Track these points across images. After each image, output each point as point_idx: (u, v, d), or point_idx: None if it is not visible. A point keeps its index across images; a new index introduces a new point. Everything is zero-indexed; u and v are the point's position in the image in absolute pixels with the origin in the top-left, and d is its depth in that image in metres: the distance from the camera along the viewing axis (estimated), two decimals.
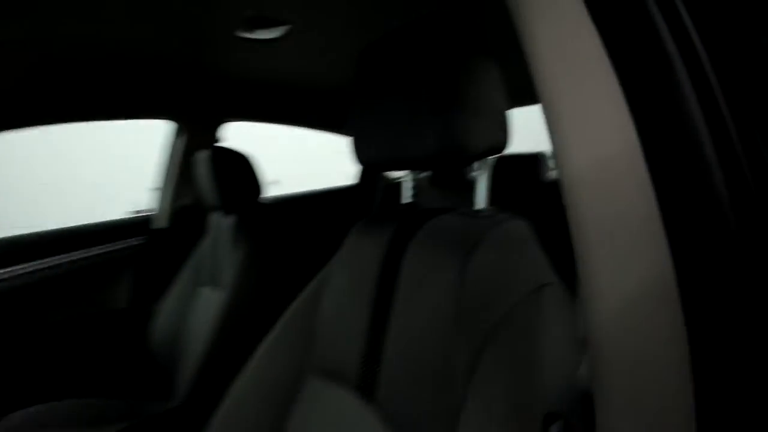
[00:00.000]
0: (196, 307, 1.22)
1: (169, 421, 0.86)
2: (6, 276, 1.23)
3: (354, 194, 2.21)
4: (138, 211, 1.65)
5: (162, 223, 1.49)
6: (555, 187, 1.57)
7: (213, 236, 1.20)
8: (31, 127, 1.15)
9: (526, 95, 1.61)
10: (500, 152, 0.51)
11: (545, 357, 0.38)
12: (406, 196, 0.67)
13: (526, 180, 1.61)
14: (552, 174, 1.66)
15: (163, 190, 1.51)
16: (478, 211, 0.53)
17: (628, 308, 0.25)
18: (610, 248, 0.25)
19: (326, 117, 1.79)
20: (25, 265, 1.27)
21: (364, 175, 2.23)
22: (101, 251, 1.40)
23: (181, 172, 1.49)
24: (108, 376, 1.38)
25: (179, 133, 1.47)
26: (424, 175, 2.32)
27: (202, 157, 1.13)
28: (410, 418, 0.45)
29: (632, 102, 0.26)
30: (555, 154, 0.29)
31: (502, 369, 0.38)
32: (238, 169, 1.13)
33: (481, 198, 0.54)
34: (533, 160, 1.61)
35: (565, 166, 0.28)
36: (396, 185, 2.23)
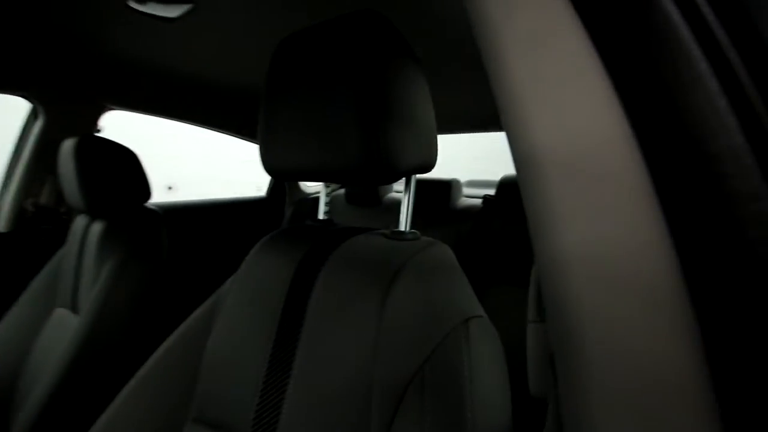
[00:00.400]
0: (47, 332, 0.97)
1: None
2: None
3: (262, 208, 2.04)
4: None
5: (6, 225, 1.17)
6: (465, 213, 1.64)
7: (75, 246, 0.96)
8: None
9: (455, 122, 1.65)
10: (428, 171, 0.47)
11: (475, 402, 0.33)
12: (322, 212, 0.60)
13: (438, 205, 1.64)
14: (461, 201, 1.73)
15: (9, 184, 1.19)
16: (401, 232, 0.48)
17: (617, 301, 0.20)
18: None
19: (231, 118, 1.62)
20: None
21: (275, 187, 2.08)
22: None
23: (35, 164, 1.19)
24: None
25: (36, 114, 1.18)
26: (337, 190, 2.26)
27: (67, 146, 0.92)
28: None
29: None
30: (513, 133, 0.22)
31: (426, 419, 0.33)
32: (113, 165, 0.93)
33: (403, 219, 0.49)
34: (447, 186, 1.65)
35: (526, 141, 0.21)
36: (310, 201, 2.12)
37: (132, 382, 0.51)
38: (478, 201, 1.63)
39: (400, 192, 2.18)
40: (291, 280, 0.47)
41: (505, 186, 1.42)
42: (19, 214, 1.19)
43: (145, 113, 1.37)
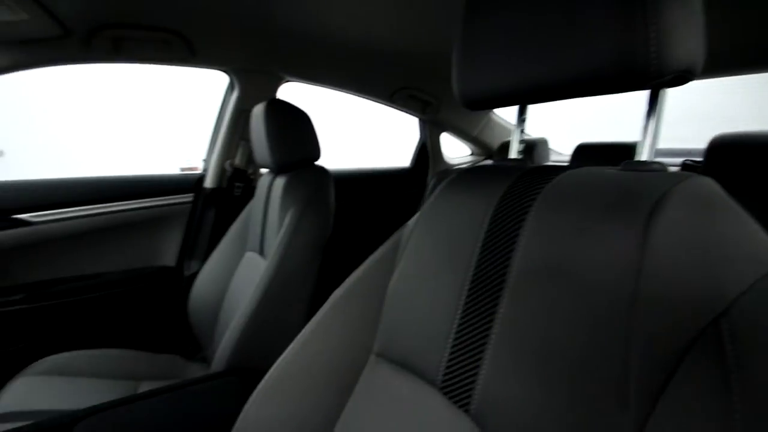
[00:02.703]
0: (240, 272, 1.15)
1: (209, 384, 0.77)
2: (48, 219, 1.21)
3: (404, 178, 2.07)
4: (189, 169, 1.61)
5: (211, 182, 1.43)
6: None
7: (263, 198, 1.10)
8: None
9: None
10: (688, 81, 0.35)
11: None
12: (515, 151, 0.52)
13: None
14: None
15: (215, 148, 1.44)
16: (642, 162, 0.37)
17: None
18: None
19: (385, 86, 1.65)
20: (76, 209, 1.25)
21: (419, 158, 2.08)
22: (152, 204, 1.36)
23: (232, 131, 1.41)
24: (146, 331, 1.35)
25: (233, 87, 1.39)
26: (483, 161, 2.14)
27: (258, 111, 1.04)
28: None
29: None
30: None
31: (732, 395, 0.23)
32: (295, 127, 1.03)
33: (648, 143, 0.37)
34: (628, 151, 1.39)
35: None
36: (454, 172, 2.06)
37: (316, 316, 0.54)
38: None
39: (561, 160, 1.94)
40: (491, 219, 0.42)
41: (718, 149, 1.09)
42: (221, 173, 1.44)
43: (313, 83, 1.49)
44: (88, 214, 1.28)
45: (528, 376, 0.32)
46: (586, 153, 1.47)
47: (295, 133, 1.01)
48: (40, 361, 1.01)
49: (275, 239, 0.97)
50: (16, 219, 1.17)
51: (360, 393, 0.47)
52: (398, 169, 2.09)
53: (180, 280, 1.40)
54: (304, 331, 0.53)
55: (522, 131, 0.51)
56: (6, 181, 1.20)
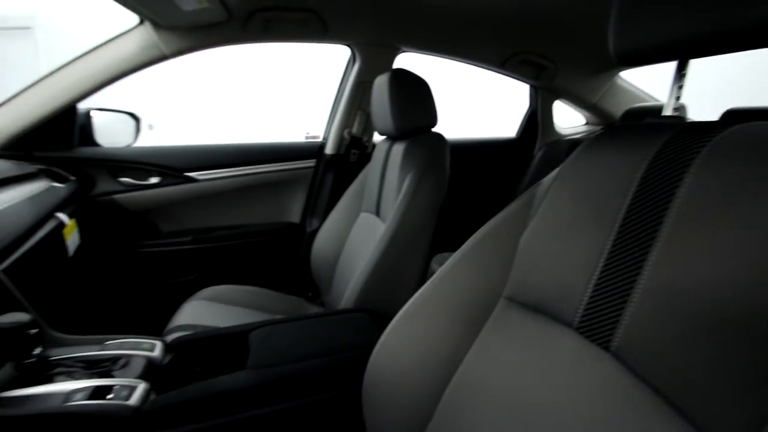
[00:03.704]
0: (356, 230, 1.27)
1: (344, 317, 0.91)
2: (208, 178, 1.48)
3: (510, 149, 2.01)
4: (312, 137, 1.80)
5: (331, 149, 1.58)
6: None
7: (380, 163, 1.20)
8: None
9: None
10: None
11: None
12: (671, 108, 0.50)
13: None
14: None
15: (335, 118, 1.58)
16: None
17: None
18: None
19: (498, 51, 1.60)
20: (219, 171, 1.50)
21: (526, 128, 1.99)
22: (282, 168, 1.57)
23: (351, 102, 1.53)
24: (277, 276, 1.59)
25: (354, 60, 1.49)
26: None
27: (381, 80, 1.11)
28: (683, 381, 0.33)
29: None
30: None
31: None
32: (416, 95, 1.08)
33: None
34: None
35: None
36: (565, 143, 1.94)
37: (447, 263, 0.60)
38: None
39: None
40: (644, 173, 0.42)
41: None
42: (339, 141, 1.58)
43: (427, 53, 1.53)
44: (235, 175, 1.52)
45: (678, 317, 0.34)
46: (737, 119, 1.28)
47: (416, 101, 1.07)
48: (202, 290, 1.27)
49: (393, 201, 1.06)
50: (187, 176, 1.45)
51: (490, 330, 0.53)
52: (503, 139, 2.03)
53: (303, 235, 1.61)
54: (436, 274, 0.60)
55: (680, 88, 0.49)
56: (181, 145, 1.49)
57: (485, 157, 1.95)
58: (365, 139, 1.58)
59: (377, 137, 1.60)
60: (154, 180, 1.43)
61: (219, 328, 0.87)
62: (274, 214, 1.63)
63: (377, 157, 1.24)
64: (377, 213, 1.19)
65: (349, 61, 1.52)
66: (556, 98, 1.90)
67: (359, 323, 0.85)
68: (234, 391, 0.65)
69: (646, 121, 0.50)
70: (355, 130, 1.55)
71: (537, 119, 1.93)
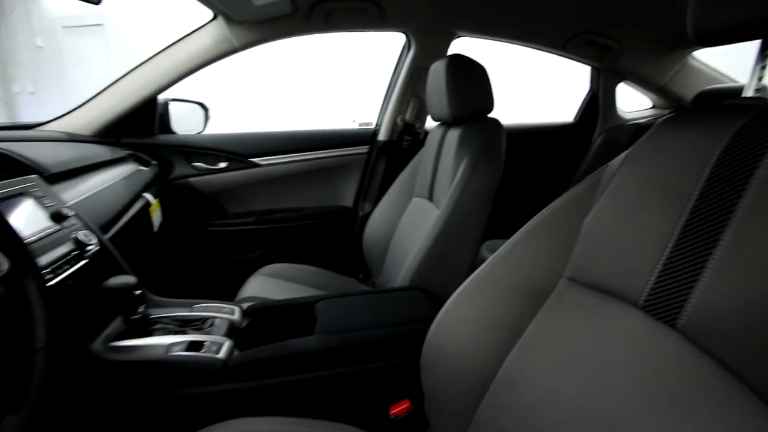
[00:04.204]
0: (408, 214, 1.31)
1: (401, 294, 0.96)
2: (269, 163, 1.58)
3: (567, 135, 1.93)
4: (365, 124, 1.85)
5: (384, 136, 1.62)
6: None
7: (434, 149, 1.22)
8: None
9: None
10: None
11: None
12: (752, 88, 0.49)
13: None
14: None
15: (388, 105, 1.61)
16: None
17: None
18: None
19: (558, 33, 1.54)
20: (279, 157, 1.59)
21: (586, 112, 1.91)
22: (337, 154, 1.64)
23: (405, 88, 1.55)
24: (331, 256, 1.68)
25: (409, 46, 1.51)
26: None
27: (438, 66, 1.12)
28: (754, 357, 0.34)
29: None
30: None
31: None
32: (474, 80, 1.09)
33: None
34: None
35: None
36: (628, 128, 1.84)
37: (507, 244, 0.62)
38: None
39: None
40: (718, 157, 0.42)
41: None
42: (392, 128, 1.61)
43: (484, 37, 1.51)
44: (294, 160, 1.61)
45: (750, 295, 0.35)
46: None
47: (473, 86, 1.07)
48: (263, 267, 1.37)
49: (447, 186, 1.08)
50: (252, 162, 1.56)
51: (549, 308, 0.55)
52: (560, 124, 1.96)
53: (355, 218, 1.68)
54: (495, 255, 0.62)
55: (764, 68, 0.47)
56: (246, 132, 1.61)
57: (541, 143, 1.90)
58: (418, 125, 1.60)
59: (430, 124, 1.62)
60: (222, 165, 1.55)
61: (287, 299, 0.96)
62: (328, 198, 1.71)
63: (431, 142, 1.26)
64: (430, 198, 1.22)
65: (403, 48, 1.54)
66: (620, 80, 1.80)
67: (415, 300, 0.89)
68: (305, 352, 0.72)
69: (725, 102, 0.48)
70: (408, 116, 1.57)
71: (598, 103, 1.84)
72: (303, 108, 5.88)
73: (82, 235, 0.73)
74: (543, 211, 0.61)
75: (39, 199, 0.74)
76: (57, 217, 0.73)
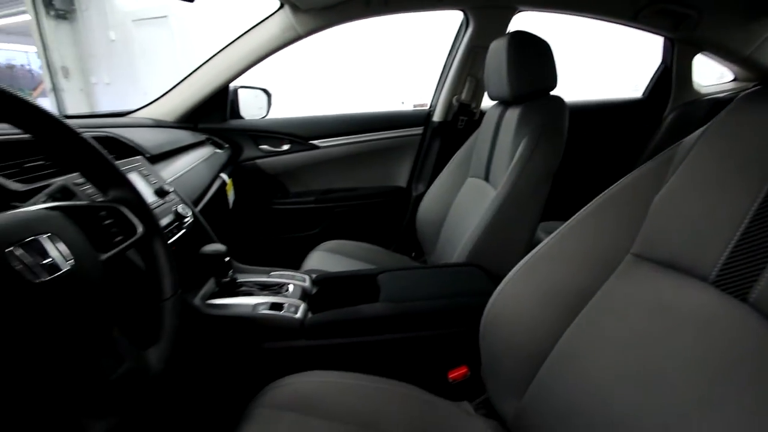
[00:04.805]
0: (463, 194, 1.33)
1: (458, 269, 1.00)
2: (328, 145, 1.66)
3: (636, 111, 1.82)
4: (420, 105, 1.87)
5: (438, 116, 1.64)
6: None
7: (491, 129, 1.22)
8: None
9: None
10: None
11: None
12: None
13: None
14: None
15: (443, 85, 1.62)
16: None
17: None
18: None
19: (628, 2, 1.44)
20: (337, 139, 1.66)
21: (656, 87, 1.78)
22: (392, 135, 1.68)
23: (462, 68, 1.54)
24: (385, 235, 1.75)
25: (467, 24, 1.50)
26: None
27: (498, 44, 1.11)
28: None
29: None
30: None
31: None
32: (537, 57, 1.06)
33: None
34: None
35: None
36: (705, 104, 1.70)
37: (571, 220, 0.63)
38: None
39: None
40: None
41: None
42: (447, 108, 1.62)
43: (547, 10, 1.45)
44: (351, 142, 1.68)
45: None
46: None
47: (536, 63, 1.05)
48: (322, 243, 1.46)
49: (504, 166, 1.08)
50: (311, 144, 1.65)
51: (615, 282, 0.56)
52: (628, 100, 1.85)
53: (409, 198, 1.72)
54: (560, 228, 0.63)
55: None
56: (306, 116, 1.69)
57: (606, 121, 1.81)
58: (473, 105, 1.59)
59: (486, 104, 1.60)
60: (285, 147, 1.65)
61: (351, 270, 1.03)
62: (383, 179, 1.77)
63: (488, 122, 1.26)
64: (486, 178, 1.22)
65: (461, 27, 1.53)
66: (697, 52, 1.66)
67: (473, 275, 0.93)
68: (372, 317, 0.80)
69: None
70: (464, 96, 1.57)
71: (671, 76, 1.71)
72: (354, 90, 5.93)
73: (180, 208, 0.84)
74: (611, 187, 0.61)
75: (146, 177, 0.86)
76: (160, 192, 0.85)
